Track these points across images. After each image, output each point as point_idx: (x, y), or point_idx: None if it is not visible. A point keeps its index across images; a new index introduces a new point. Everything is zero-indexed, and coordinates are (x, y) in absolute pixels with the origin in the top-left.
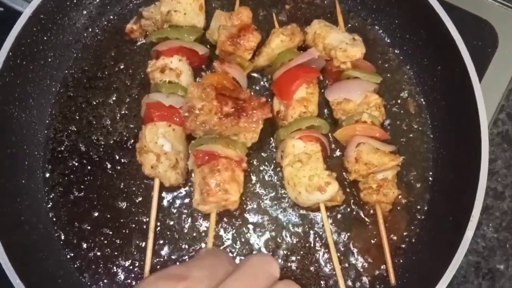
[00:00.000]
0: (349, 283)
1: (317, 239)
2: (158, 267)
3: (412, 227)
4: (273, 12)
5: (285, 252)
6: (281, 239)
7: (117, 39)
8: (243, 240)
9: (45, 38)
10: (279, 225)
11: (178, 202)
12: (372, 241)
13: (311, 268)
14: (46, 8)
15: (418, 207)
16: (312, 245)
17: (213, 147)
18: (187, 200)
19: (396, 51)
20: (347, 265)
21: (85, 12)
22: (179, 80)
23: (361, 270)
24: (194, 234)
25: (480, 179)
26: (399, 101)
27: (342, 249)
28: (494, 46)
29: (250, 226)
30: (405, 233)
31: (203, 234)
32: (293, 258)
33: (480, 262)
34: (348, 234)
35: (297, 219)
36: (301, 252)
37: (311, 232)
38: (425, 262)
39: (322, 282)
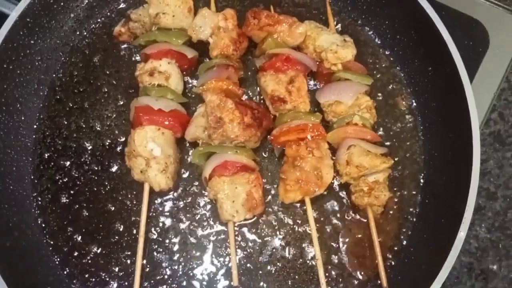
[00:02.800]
0: (341, 285)
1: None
2: (148, 271)
3: (404, 230)
4: None
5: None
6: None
7: (106, 42)
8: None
9: (32, 41)
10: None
11: (168, 207)
12: (364, 244)
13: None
14: (32, 11)
15: (410, 209)
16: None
17: (239, 158)
18: (177, 205)
19: (386, 52)
20: (338, 267)
21: (72, 15)
22: (168, 83)
23: (352, 273)
24: (185, 239)
25: (472, 180)
26: (390, 102)
27: (333, 253)
28: (485, 45)
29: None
30: (396, 236)
31: (194, 239)
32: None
33: (473, 263)
34: (339, 237)
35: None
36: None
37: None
38: (418, 264)
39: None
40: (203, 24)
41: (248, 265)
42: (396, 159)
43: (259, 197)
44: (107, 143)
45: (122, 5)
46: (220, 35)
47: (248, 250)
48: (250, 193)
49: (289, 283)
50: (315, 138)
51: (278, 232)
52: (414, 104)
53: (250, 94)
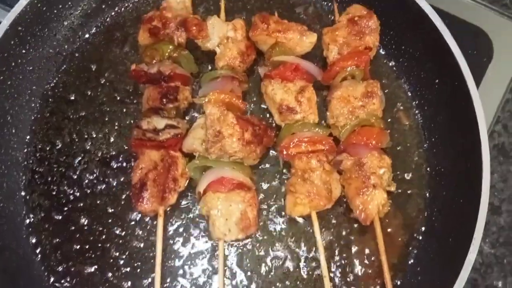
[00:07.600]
0: None
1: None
2: None
3: (410, 248)
4: None
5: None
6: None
7: (100, 51)
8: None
9: (24, 51)
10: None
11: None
12: (370, 261)
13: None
14: (24, 19)
15: (416, 226)
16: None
17: (236, 174)
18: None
19: (391, 63)
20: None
21: (66, 23)
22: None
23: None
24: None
25: (482, 197)
26: (394, 116)
27: (339, 270)
28: (489, 56)
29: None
30: (403, 254)
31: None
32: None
33: (477, 279)
34: (344, 253)
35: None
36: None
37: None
38: (425, 284)
39: None
40: (211, 33)
41: (248, 282)
42: (400, 173)
43: (253, 217)
44: (102, 157)
45: (116, 14)
46: (228, 46)
47: (246, 270)
48: (244, 212)
49: None
50: (325, 151)
51: (276, 248)
52: (420, 117)
53: (253, 106)
